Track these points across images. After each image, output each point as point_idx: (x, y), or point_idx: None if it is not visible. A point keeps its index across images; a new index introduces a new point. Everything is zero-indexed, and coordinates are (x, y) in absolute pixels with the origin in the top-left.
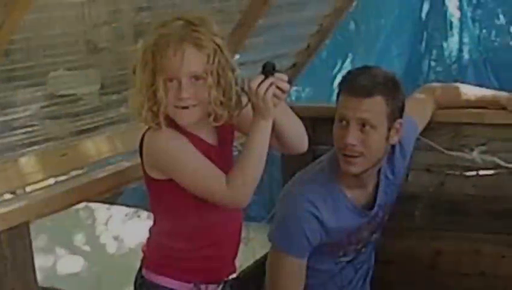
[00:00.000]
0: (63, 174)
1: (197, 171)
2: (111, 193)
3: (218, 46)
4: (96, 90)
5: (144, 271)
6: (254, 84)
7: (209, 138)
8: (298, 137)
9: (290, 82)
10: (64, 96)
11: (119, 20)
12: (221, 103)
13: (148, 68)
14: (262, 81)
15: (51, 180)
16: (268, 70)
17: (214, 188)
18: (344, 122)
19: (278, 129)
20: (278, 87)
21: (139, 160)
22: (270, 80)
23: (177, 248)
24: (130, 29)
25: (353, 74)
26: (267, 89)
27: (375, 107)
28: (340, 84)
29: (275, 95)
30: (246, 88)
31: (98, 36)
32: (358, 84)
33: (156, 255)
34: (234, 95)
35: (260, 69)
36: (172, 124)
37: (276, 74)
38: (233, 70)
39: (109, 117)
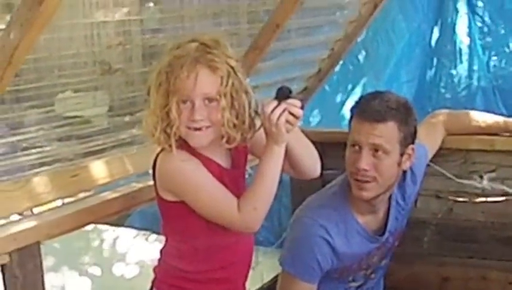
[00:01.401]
0: (74, 195)
1: (208, 194)
2: (121, 214)
3: (232, 68)
4: (105, 112)
5: None
6: (267, 110)
7: (222, 160)
8: (311, 162)
9: (303, 107)
10: (72, 118)
11: (131, 42)
12: (235, 125)
13: (162, 89)
14: (275, 107)
15: (61, 201)
16: (282, 95)
17: (225, 212)
18: (357, 147)
19: (291, 154)
20: (290, 113)
21: (149, 182)
22: (283, 106)
23: (187, 270)
24: (140, 51)
25: (366, 98)
26: (280, 115)
27: (388, 132)
28: (352, 109)
29: (287, 121)
30: (259, 112)
31: (111, 57)
32: (371, 109)
33: (167, 276)
34: (247, 117)
35: (274, 92)
36: (185, 145)
37: (290, 100)
38: (246, 93)
39: (120, 139)
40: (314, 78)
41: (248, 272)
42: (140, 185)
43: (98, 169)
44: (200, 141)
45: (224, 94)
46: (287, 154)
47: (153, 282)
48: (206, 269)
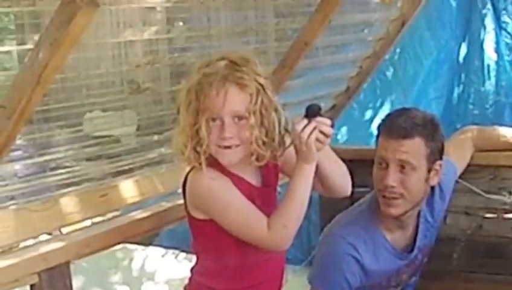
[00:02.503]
0: (103, 214)
1: (238, 212)
2: (151, 233)
3: (262, 85)
4: (133, 131)
5: None
6: (298, 128)
7: (253, 178)
8: (342, 181)
9: (333, 126)
10: (101, 138)
11: (160, 61)
12: (264, 143)
13: (191, 107)
14: (306, 125)
15: (90, 221)
16: (312, 113)
17: (255, 231)
18: (384, 164)
19: (322, 173)
20: (321, 131)
21: (178, 201)
22: (313, 124)
23: (218, 288)
24: (168, 70)
25: (392, 115)
26: (310, 133)
27: (414, 148)
28: (379, 126)
29: (318, 140)
30: (289, 129)
31: (139, 76)
32: (397, 125)
33: None
34: (277, 135)
35: (304, 110)
36: (215, 164)
37: (319, 118)
38: (276, 110)
39: (148, 158)
40: (342, 96)
41: None
42: (169, 205)
43: (127, 188)
44: (230, 159)
45: (253, 112)
46: (318, 172)
47: None
48: (236, 287)
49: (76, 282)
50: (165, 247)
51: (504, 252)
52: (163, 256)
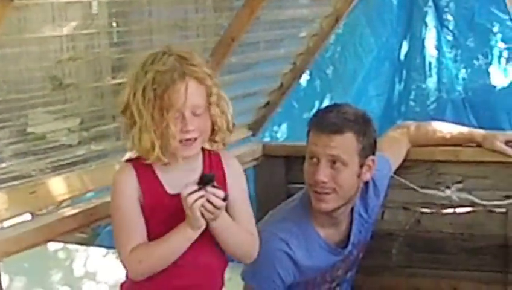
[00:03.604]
0: (32, 212)
1: (118, 220)
2: (81, 230)
3: (210, 76)
4: (65, 128)
5: None
6: (184, 193)
7: (182, 179)
8: (239, 253)
9: (225, 199)
10: (31, 134)
11: (84, 56)
12: (219, 129)
13: (152, 106)
14: (193, 191)
15: (20, 218)
16: (205, 181)
17: (119, 247)
18: (315, 160)
19: (218, 241)
20: (210, 202)
21: (108, 198)
22: (202, 192)
23: (145, 286)
24: (92, 66)
25: (323, 111)
26: (196, 200)
27: (345, 143)
28: (310, 121)
29: (207, 209)
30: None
31: (63, 72)
32: (328, 121)
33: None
34: (230, 120)
35: (199, 177)
36: (142, 164)
37: (211, 189)
38: (225, 100)
39: (78, 155)
40: (276, 92)
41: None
42: (98, 202)
43: (56, 186)
44: (191, 152)
45: (213, 103)
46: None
47: None
48: (161, 287)
49: (18, 283)
50: (106, 247)
51: (443, 246)
52: (104, 256)
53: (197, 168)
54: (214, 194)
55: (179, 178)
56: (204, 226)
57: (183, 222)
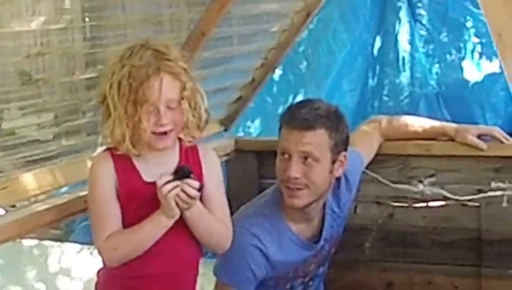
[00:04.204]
0: (5, 207)
1: (95, 207)
2: (53, 226)
3: (185, 70)
4: (35, 123)
5: None
6: (159, 183)
7: (158, 168)
8: (212, 243)
9: (200, 189)
10: (2, 130)
11: (55, 51)
12: (194, 124)
13: (125, 100)
14: (169, 181)
15: None
16: (181, 173)
17: (95, 234)
18: (286, 156)
19: (193, 231)
20: (184, 192)
21: (81, 193)
22: (176, 182)
23: (117, 274)
24: (64, 60)
25: (295, 106)
26: (170, 190)
27: (317, 140)
28: (281, 117)
29: (181, 199)
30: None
31: (32, 67)
32: (299, 117)
33: (102, 278)
34: (204, 114)
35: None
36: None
37: (187, 180)
38: (200, 92)
39: (50, 150)
40: (248, 87)
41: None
42: (70, 197)
43: (28, 181)
44: (165, 144)
45: (185, 97)
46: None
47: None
48: (139, 274)
49: None
50: (80, 243)
51: (416, 240)
52: (78, 252)
53: (174, 159)
54: (189, 185)
55: (156, 167)
56: (178, 216)
57: (157, 210)
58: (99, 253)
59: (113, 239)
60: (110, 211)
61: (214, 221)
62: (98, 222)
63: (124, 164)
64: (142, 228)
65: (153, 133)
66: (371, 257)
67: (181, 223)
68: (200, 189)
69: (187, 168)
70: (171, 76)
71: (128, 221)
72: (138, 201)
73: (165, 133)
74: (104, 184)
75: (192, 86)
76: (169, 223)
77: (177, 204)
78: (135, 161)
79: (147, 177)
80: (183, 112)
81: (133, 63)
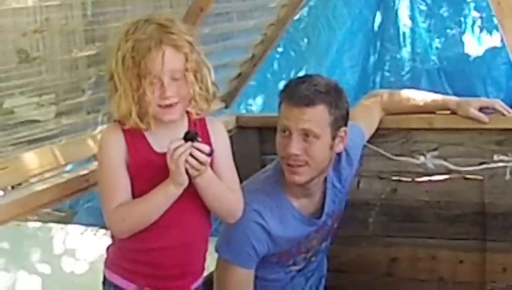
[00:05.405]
0: (4, 188)
1: (104, 176)
2: (53, 205)
3: (191, 43)
4: (34, 102)
5: (104, 269)
6: (171, 147)
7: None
8: (224, 211)
9: (210, 154)
10: (0, 109)
11: (52, 28)
12: (202, 97)
13: (130, 73)
14: (180, 146)
15: None
16: (189, 138)
17: (104, 205)
18: (287, 133)
19: (203, 199)
20: (194, 157)
21: (81, 172)
22: (187, 145)
23: (126, 248)
24: (59, 38)
25: (294, 83)
26: (181, 154)
27: (317, 116)
28: (281, 93)
29: (191, 166)
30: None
31: (30, 44)
32: (299, 93)
33: (112, 253)
34: (211, 87)
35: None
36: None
37: (196, 144)
38: (205, 64)
39: (49, 129)
40: (248, 64)
41: (189, 265)
42: (70, 176)
43: (28, 161)
44: (171, 117)
45: (190, 69)
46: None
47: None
48: (141, 248)
49: None
50: (84, 224)
51: (420, 215)
52: (82, 234)
53: (183, 130)
54: (199, 149)
55: (165, 138)
56: (186, 184)
57: (165, 181)
58: (107, 224)
59: (121, 210)
60: (120, 182)
61: (225, 189)
62: (107, 193)
63: (134, 135)
64: (149, 198)
65: (159, 106)
66: (375, 232)
67: (191, 195)
68: (210, 154)
69: (195, 132)
70: (173, 48)
71: (139, 193)
72: (149, 172)
73: (170, 105)
74: (113, 155)
75: (197, 58)
76: (178, 191)
77: (186, 171)
78: (145, 132)
79: (157, 148)
80: (189, 84)
81: (136, 37)
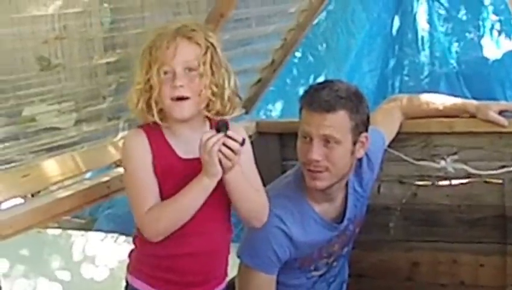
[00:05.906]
0: (26, 195)
1: (132, 181)
2: (75, 212)
3: (212, 44)
4: (55, 109)
5: (126, 273)
6: (204, 137)
7: (189, 145)
8: (252, 213)
9: (243, 143)
10: (22, 117)
11: (72, 36)
12: (214, 94)
13: (145, 63)
14: (213, 136)
15: (13, 202)
16: (222, 128)
17: (135, 209)
18: (308, 139)
19: (232, 199)
20: (228, 147)
21: (102, 179)
22: (219, 135)
23: (149, 253)
24: (77, 45)
25: (314, 88)
26: (214, 144)
27: (338, 122)
28: (301, 99)
29: (225, 155)
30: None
31: (51, 52)
32: (320, 99)
33: (134, 259)
34: (227, 90)
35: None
36: (153, 128)
37: (230, 133)
38: (226, 70)
39: (70, 136)
40: (268, 69)
41: (210, 273)
42: (92, 183)
43: (49, 168)
44: (182, 113)
45: (203, 62)
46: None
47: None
48: (177, 253)
49: (18, 269)
50: (104, 231)
51: (441, 219)
52: (102, 240)
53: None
54: (232, 138)
55: (187, 143)
56: (220, 175)
57: (199, 176)
58: (141, 228)
59: (154, 211)
60: (149, 185)
61: (252, 189)
62: (137, 197)
63: (157, 139)
64: (183, 194)
65: (171, 99)
66: (395, 237)
67: (213, 203)
68: (242, 143)
69: (226, 122)
70: (187, 40)
71: (166, 197)
72: (174, 178)
73: (181, 99)
74: (140, 158)
75: (217, 60)
76: (212, 183)
77: (220, 162)
78: (167, 137)
79: (181, 153)
80: (203, 79)
81: (159, 31)
